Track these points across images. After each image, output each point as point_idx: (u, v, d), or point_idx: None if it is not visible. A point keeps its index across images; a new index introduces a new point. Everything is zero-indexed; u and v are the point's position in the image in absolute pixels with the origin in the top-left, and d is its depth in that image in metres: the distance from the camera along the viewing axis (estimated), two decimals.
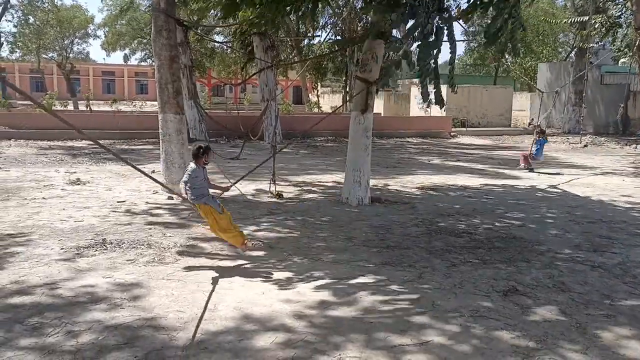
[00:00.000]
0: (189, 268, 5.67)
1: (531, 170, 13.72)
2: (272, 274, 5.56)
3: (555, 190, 11.03)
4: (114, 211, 8.19)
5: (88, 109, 28.84)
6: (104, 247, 6.27)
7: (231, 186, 7.35)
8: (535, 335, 4.18)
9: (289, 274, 5.56)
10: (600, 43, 25.78)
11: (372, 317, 4.50)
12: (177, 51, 9.92)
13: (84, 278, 5.25)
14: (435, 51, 7.06)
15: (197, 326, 4.19)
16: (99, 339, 3.98)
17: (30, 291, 4.87)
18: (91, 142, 17.64)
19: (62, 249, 6.18)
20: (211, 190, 6.18)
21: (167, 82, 9.47)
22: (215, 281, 5.26)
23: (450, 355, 3.85)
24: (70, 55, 50.38)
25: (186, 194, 5.88)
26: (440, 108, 8.60)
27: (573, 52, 30.80)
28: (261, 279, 5.41)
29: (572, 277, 5.60)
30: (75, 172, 11.76)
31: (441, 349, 3.94)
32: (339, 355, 3.83)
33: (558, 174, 13.52)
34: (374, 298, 4.91)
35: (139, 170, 6.34)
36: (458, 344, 4.03)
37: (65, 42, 49.07)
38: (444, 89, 7.89)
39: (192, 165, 6.01)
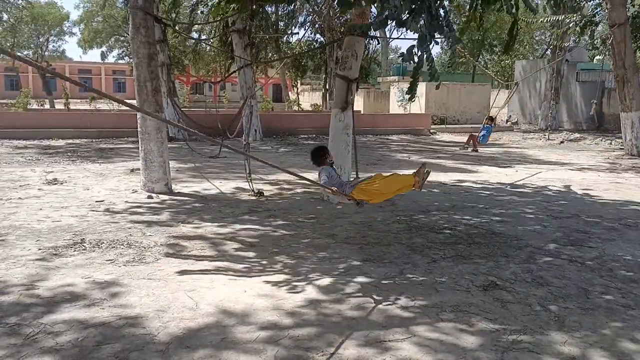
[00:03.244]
0: (170, 267, 5.63)
1: (476, 151, 14.42)
2: (254, 272, 5.55)
3: (532, 185, 11.18)
4: (92, 211, 8.09)
5: (66, 107, 28.39)
6: (83, 247, 6.19)
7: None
8: (515, 329, 4.24)
9: (271, 272, 5.56)
10: (576, 41, 26.16)
11: (355, 313, 4.52)
12: (155, 49, 9.84)
13: (62, 278, 5.17)
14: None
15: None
16: (78, 339, 3.94)
17: (8, 292, 4.79)
18: (69, 141, 17.42)
19: (39, 249, 6.08)
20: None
21: (146, 80, 9.40)
22: (196, 279, 5.24)
23: (434, 349, 3.89)
24: (46, 53, 49.63)
25: (333, 191, 6.23)
26: (410, 100, 8.37)
27: (549, 50, 31.20)
28: (243, 277, 5.40)
29: (550, 271, 5.69)
30: (52, 172, 11.58)
31: (425, 343, 3.98)
32: (324, 351, 3.84)
33: (540, 172, 13.70)
34: (356, 294, 4.94)
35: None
36: (441, 337, 4.08)
37: (41, 39, 48.36)
38: (422, 86, 7.94)
39: (321, 168, 6.46)
